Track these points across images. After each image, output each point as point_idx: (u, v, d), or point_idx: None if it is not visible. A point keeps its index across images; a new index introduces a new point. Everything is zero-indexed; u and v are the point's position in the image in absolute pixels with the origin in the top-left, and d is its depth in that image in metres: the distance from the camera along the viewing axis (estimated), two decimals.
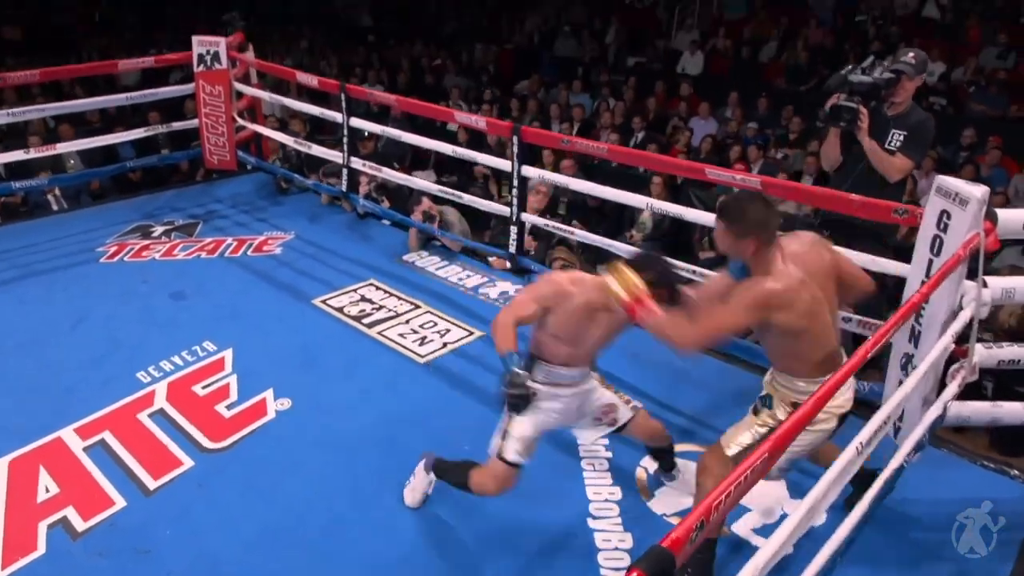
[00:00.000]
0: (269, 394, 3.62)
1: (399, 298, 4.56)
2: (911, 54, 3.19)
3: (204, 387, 3.70)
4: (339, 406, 3.55)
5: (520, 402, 2.37)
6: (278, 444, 3.32)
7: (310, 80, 5.47)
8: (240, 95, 6.25)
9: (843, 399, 2.31)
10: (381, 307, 4.45)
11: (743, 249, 2.21)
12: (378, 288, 4.68)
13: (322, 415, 3.48)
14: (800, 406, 1.74)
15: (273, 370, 3.80)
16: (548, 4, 13.52)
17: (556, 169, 5.77)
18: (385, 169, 5.20)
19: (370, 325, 4.25)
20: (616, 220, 6.26)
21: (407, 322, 4.29)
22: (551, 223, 4.46)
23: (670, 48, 11.33)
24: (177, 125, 6.36)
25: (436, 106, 5.15)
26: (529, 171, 4.33)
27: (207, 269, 4.97)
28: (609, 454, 3.24)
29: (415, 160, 7.69)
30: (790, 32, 10.47)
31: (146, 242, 5.34)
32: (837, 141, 3.36)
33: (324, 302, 4.52)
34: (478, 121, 4.45)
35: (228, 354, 3.95)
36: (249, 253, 5.21)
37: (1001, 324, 4.49)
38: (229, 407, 3.54)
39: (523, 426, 2.52)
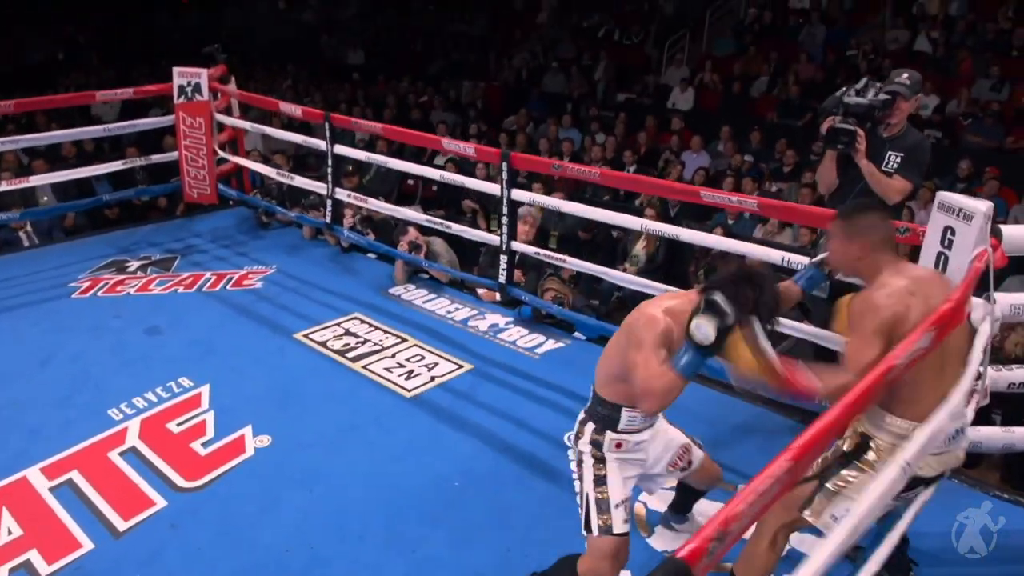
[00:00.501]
0: (248, 431, 3.55)
1: (385, 331, 4.52)
2: (905, 75, 3.24)
3: (179, 424, 3.63)
4: (322, 442, 3.49)
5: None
6: (256, 482, 3.24)
7: (293, 110, 5.51)
8: (222, 127, 6.28)
9: (922, 452, 2.03)
10: (366, 341, 4.41)
11: (850, 255, 2.20)
12: (363, 321, 4.64)
13: (304, 451, 3.42)
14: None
15: (252, 406, 3.74)
16: (535, 41, 13.78)
17: None
18: (370, 200, 5.21)
19: (354, 359, 4.20)
20: (608, 253, 6.28)
21: (393, 356, 4.25)
22: (542, 252, 4.45)
23: (660, 84, 11.54)
24: (156, 157, 6.37)
25: (424, 134, 5.17)
26: (519, 195, 4.34)
27: (184, 304, 4.92)
28: None
29: (401, 197, 7.74)
30: (780, 67, 10.68)
31: (121, 277, 5.30)
32: (833, 164, 3.39)
33: (306, 336, 4.48)
34: (467, 148, 4.48)
35: (205, 390, 3.89)
36: (228, 287, 5.17)
37: (1008, 354, 4.50)
38: (205, 444, 3.47)
39: (616, 490, 2.34)
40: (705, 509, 2.88)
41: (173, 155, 6.34)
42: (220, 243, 5.99)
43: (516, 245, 4.48)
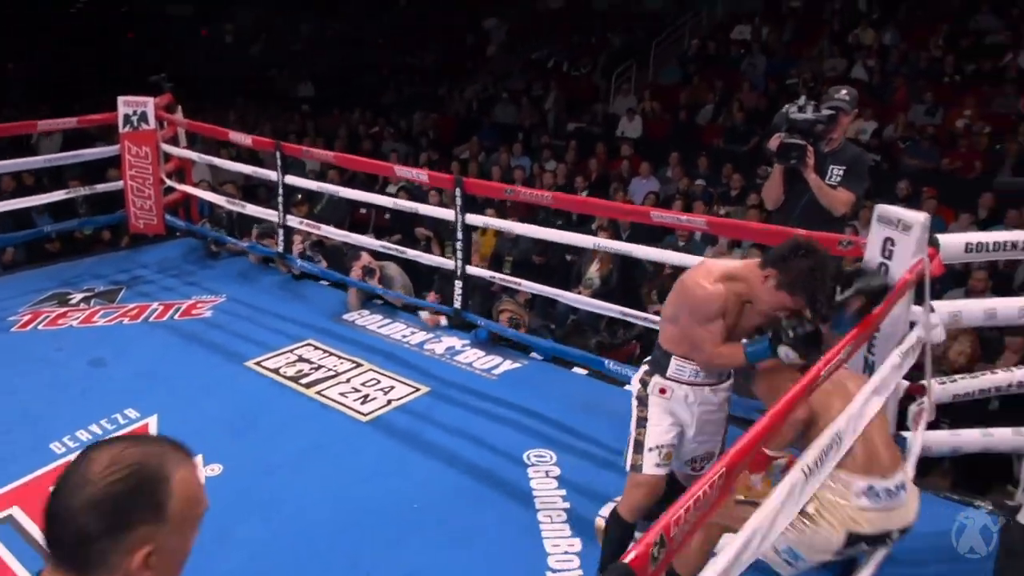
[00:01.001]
0: (198, 460, 3.45)
1: (339, 357, 4.48)
2: (844, 91, 3.39)
3: None
4: (276, 469, 3.42)
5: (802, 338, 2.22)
6: (208, 515, 3.15)
7: (243, 139, 5.48)
8: (168, 157, 6.20)
9: (855, 513, 2.16)
10: (320, 367, 4.36)
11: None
12: (316, 348, 4.59)
13: (257, 479, 3.34)
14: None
15: (202, 435, 3.64)
16: (486, 73, 13.98)
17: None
18: (323, 226, 5.18)
19: (308, 385, 4.15)
20: (563, 276, 6.34)
21: (348, 381, 4.20)
22: (497, 275, 4.48)
23: (609, 113, 11.79)
24: (101, 187, 6.25)
25: (375, 161, 5.19)
26: (473, 219, 4.37)
27: (130, 335, 4.80)
28: (567, 504, 3.18)
29: (353, 226, 7.69)
30: (725, 96, 11.02)
31: (63, 309, 5.15)
32: (780, 179, 3.50)
33: (258, 364, 4.40)
34: (419, 174, 4.50)
35: (152, 420, 3.79)
36: (176, 317, 5.07)
37: (952, 363, 4.66)
38: None
39: (654, 434, 2.49)
40: None
41: (118, 185, 6.23)
42: (167, 273, 5.88)
43: (471, 269, 4.49)
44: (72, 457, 3.22)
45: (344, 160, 5.16)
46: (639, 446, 2.51)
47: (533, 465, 3.45)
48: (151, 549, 0.98)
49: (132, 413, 3.84)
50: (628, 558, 1.26)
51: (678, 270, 5.73)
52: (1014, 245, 2.63)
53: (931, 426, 3.16)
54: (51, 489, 0.98)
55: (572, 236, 4.37)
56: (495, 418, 3.86)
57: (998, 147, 8.51)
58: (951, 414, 4.27)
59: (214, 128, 5.94)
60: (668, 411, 2.51)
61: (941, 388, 2.82)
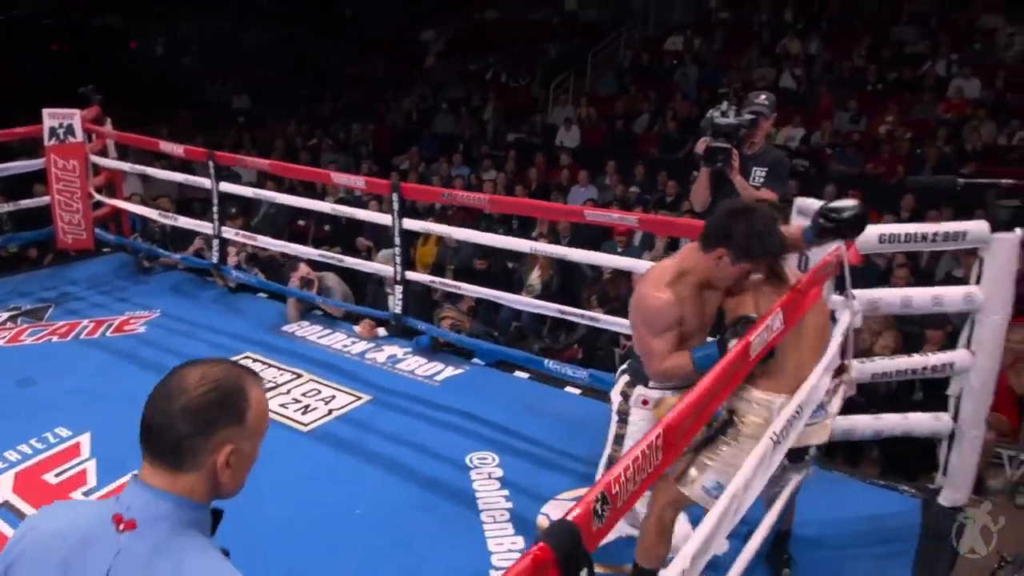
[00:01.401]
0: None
1: (279, 368, 4.44)
2: (763, 96, 3.55)
3: (57, 475, 3.44)
4: None
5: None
6: None
7: (175, 148, 5.40)
8: (97, 170, 6.07)
9: (774, 418, 2.23)
10: None
11: (730, 274, 2.34)
12: (255, 360, 4.55)
13: None
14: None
15: (138, 452, 3.56)
16: (425, 84, 14.02)
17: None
18: (260, 237, 5.14)
19: None
20: (505, 283, 6.40)
21: (288, 392, 4.18)
22: (437, 280, 4.52)
23: (547, 123, 11.96)
24: (25, 203, 6.07)
25: (312, 168, 5.18)
26: (411, 224, 4.41)
27: (60, 353, 4.68)
28: (509, 504, 3.23)
29: (292, 238, 7.62)
30: (659, 105, 11.30)
31: None
32: (708, 182, 3.63)
33: None
34: (356, 180, 4.52)
35: (85, 439, 3.70)
36: (108, 334, 4.95)
37: (878, 355, 4.88)
38: (87, 494, 3.30)
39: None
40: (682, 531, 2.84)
41: (44, 200, 6.06)
42: (98, 289, 5.74)
43: (411, 275, 4.52)
44: (1, 478, 3.13)
45: (280, 168, 5.12)
46: (612, 464, 2.43)
47: (476, 468, 3.49)
48: (232, 449, 1.19)
49: (63, 432, 3.75)
50: (572, 515, 1.25)
51: (617, 274, 5.90)
52: (923, 236, 2.79)
53: (855, 408, 3.32)
54: (149, 400, 1.18)
55: (510, 240, 4.44)
56: (437, 423, 3.89)
57: (919, 151, 8.92)
58: (878, 403, 4.49)
59: (145, 139, 5.83)
60: (651, 424, 2.44)
61: (860, 367, 2.97)
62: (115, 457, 3.55)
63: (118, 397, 4.11)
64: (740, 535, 2.33)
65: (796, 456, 2.39)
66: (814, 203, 2.77)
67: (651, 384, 2.44)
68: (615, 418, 2.51)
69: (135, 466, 3.53)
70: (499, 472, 3.45)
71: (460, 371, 4.48)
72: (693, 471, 2.34)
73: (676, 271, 2.33)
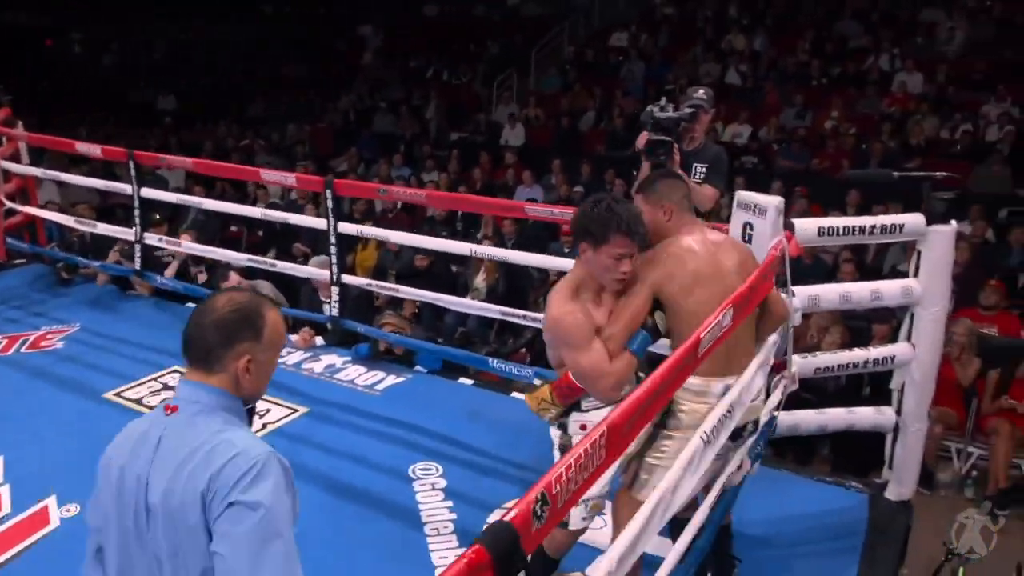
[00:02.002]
0: (51, 501, 3.30)
1: None
2: (701, 91, 3.62)
3: None
4: None
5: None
6: (65, 556, 2.99)
7: (92, 149, 5.26)
8: (9, 176, 5.88)
9: (706, 410, 2.27)
10: None
11: (660, 219, 2.41)
12: (181, 375, 4.45)
13: None
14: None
15: (56, 474, 3.49)
16: (362, 82, 13.93)
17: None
18: (187, 243, 5.05)
19: None
20: (449, 287, 6.39)
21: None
22: (375, 283, 4.50)
23: (491, 121, 12.00)
24: None
25: (239, 167, 5.11)
26: (346, 228, 4.38)
27: None
28: (454, 516, 3.23)
29: (223, 246, 7.52)
30: (605, 102, 11.44)
31: None
32: None
33: (118, 395, 4.24)
34: (287, 178, 4.48)
35: None
36: (23, 350, 4.80)
37: (824, 351, 5.03)
38: (0, 521, 3.20)
39: None
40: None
41: None
42: (11, 304, 5.55)
43: (347, 278, 4.49)
44: None
45: (206, 167, 5.04)
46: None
47: (419, 479, 3.48)
48: (250, 358, 1.53)
49: None
50: (510, 516, 1.25)
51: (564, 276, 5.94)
52: (861, 229, 2.89)
53: (799, 403, 3.41)
54: (190, 317, 1.55)
55: (452, 244, 4.45)
56: (378, 435, 3.87)
57: (863, 147, 9.21)
58: (827, 400, 4.62)
59: (59, 141, 5.67)
60: None
61: (804, 362, 3.05)
62: (30, 480, 3.44)
63: (33, 418, 4.01)
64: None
65: (734, 434, 2.43)
66: (755, 196, 2.85)
67: (584, 406, 2.37)
68: (557, 455, 2.45)
69: (53, 489, 3.42)
70: (442, 483, 3.45)
71: (402, 379, 4.46)
72: (643, 475, 2.38)
73: (572, 286, 2.31)
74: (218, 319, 1.51)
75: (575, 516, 2.40)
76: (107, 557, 1.61)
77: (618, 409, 1.61)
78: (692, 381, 2.33)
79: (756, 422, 2.54)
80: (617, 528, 2.48)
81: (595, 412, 2.35)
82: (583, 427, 2.36)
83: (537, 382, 2.39)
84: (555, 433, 2.48)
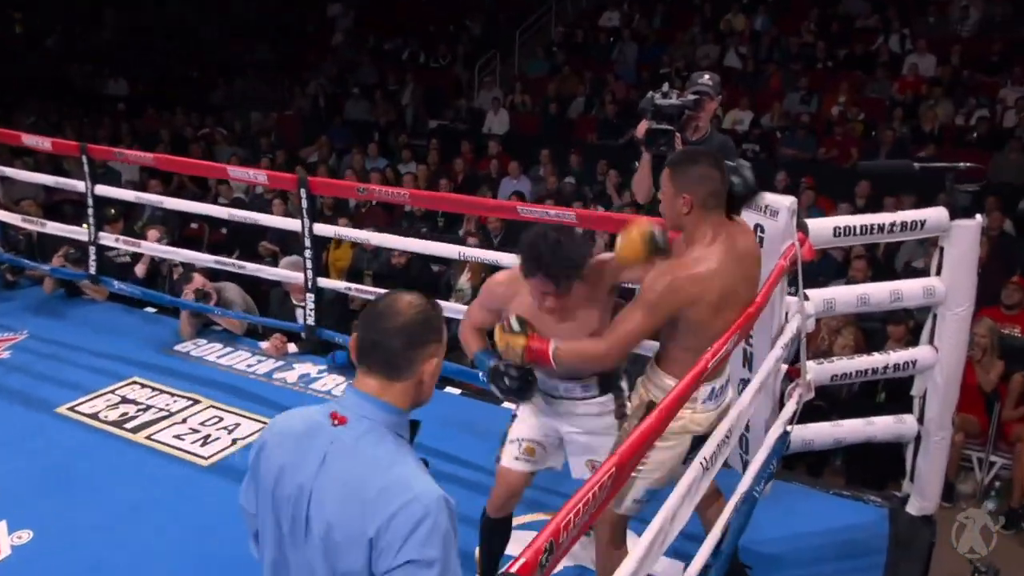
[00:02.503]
0: (1, 527, 3.27)
1: (172, 394, 4.34)
2: (707, 76, 3.63)
3: None
4: (100, 529, 3.27)
5: (514, 388, 2.50)
6: None
7: (41, 142, 5.20)
8: None
9: (699, 416, 2.39)
10: (149, 407, 4.22)
11: (678, 209, 2.33)
12: (144, 386, 4.44)
13: (78, 543, 3.19)
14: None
15: (5, 498, 3.45)
16: (332, 65, 13.87)
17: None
18: (146, 243, 5.02)
19: (135, 430, 4.01)
20: (431, 289, 6.39)
21: (184, 421, 4.09)
22: (354, 286, 4.49)
23: (473, 108, 11.99)
24: None
25: (204, 162, 5.07)
26: (323, 229, 4.36)
27: None
28: None
29: (183, 245, 7.46)
30: (596, 87, 11.45)
31: None
32: (649, 171, 3.69)
33: (72, 409, 4.20)
34: (257, 175, 4.45)
35: None
36: None
37: (836, 357, 5.07)
38: None
39: (518, 427, 2.71)
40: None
41: None
42: None
43: (324, 282, 4.47)
44: None
45: (167, 163, 4.99)
46: (503, 437, 2.74)
47: None
48: (437, 361, 1.61)
49: None
50: (515, 567, 1.31)
51: None
52: (880, 228, 2.90)
53: (815, 419, 3.43)
54: (363, 322, 1.60)
55: (435, 245, 4.43)
56: None
57: (873, 134, 9.30)
58: (840, 409, 4.66)
59: (4, 133, 5.60)
60: (537, 412, 2.69)
61: (819, 369, 3.06)
62: None
63: None
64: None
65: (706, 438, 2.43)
66: (766, 197, 2.85)
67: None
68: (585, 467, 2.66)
69: (1, 515, 3.37)
70: None
71: None
72: (623, 488, 2.39)
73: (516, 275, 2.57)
74: (407, 323, 1.56)
75: (507, 453, 2.70)
76: (262, 546, 1.70)
77: (626, 444, 1.67)
78: (672, 383, 2.34)
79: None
80: (598, 545, 2.58)
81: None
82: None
83: (516, 327, 2.44)
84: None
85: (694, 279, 2.28)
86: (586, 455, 2.68)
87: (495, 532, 2.77)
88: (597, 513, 1.58)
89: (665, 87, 3.57)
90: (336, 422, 1.57)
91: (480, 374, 2.64)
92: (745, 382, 3.12)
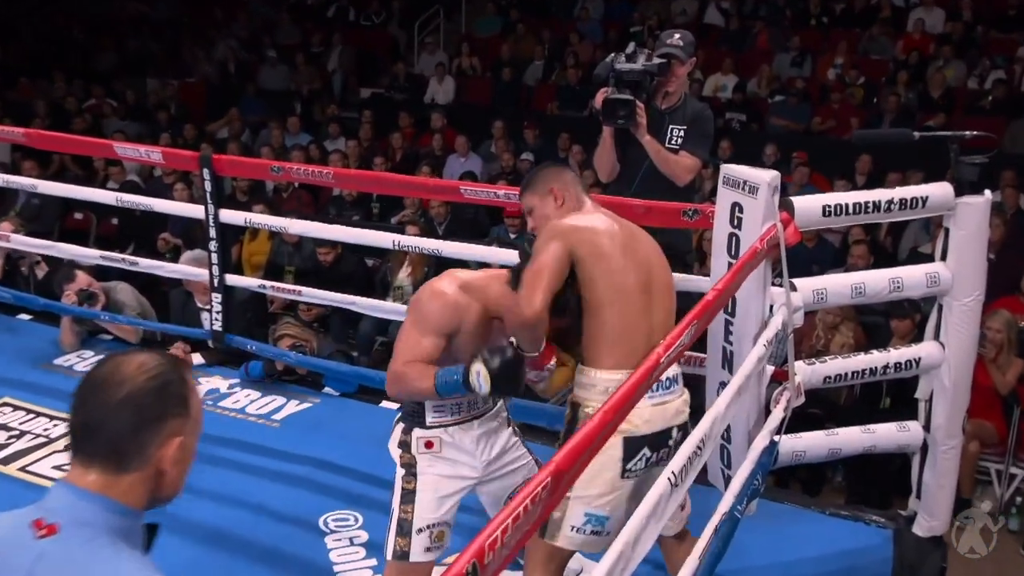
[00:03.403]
0: None
1: (51, 417, 4.31)
2: (677, 35, 3.67)
3: None
4: None
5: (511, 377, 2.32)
6: None
7: None
8: None
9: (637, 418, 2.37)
10: (23, 433, 4.19)
11: (548, 209, 2.63)
12: (16, 407, 4.41)
13: None
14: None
15: None
16: (243, 26, 13.75)
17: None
18: (17, 236, 4.95)
19: (5, 460, 3.98)
20: (364, 286, 6.36)
21: (66, 448, 4.01)
22: (270, 284, 4.47)
23: (413, 74, 11.97)
24: None
25: (86, 139, 5.01)
26: (230, 216, 4.33)
27: None
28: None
29: (65, 237, 7.35)
30: (556, 49, 11.51)
31: None
32: (612, 144, 3.73)
33: None
34: (151, 153, 4.39)
35: None
36: None
37: (834, 356, 5.15)
38: None
39: (424, 510, 2.56)
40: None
41: None
42: None
43: (233, 279, 4.44)
44: None
45: (42, 139, 4.91)
46: (404, 527, 2.57)
47: (333, 533, 3.48)
48: (181, 441, 1.39)
49: None
50: None
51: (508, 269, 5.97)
52: (876, 206, 2.95)
53: (809, 428, 3.49)
54: (76, 397, 1.37)
55: (368, 234, 4.42)
56: (280, 477, 3.85)
57: (875, 100, 9.47)
58: (838, 416, 4.74)
59: None
60: (443, 472, 2.60)
61: (810, 370, 3.11)
62: None
63: None
64: None
65: (659, 444, 2.49)
66: (744, 171, 2.88)
67: (428, 422, 2.59)
68: (400, 472, 2.63)
69: None
70: (363, 535, 3.45)
71: (307, 405, 4.45)
72: (555, 513, 2.39)
73: (467, 282, 2.55)
74: (133, 393, 1.35)
75: (417, 546, 2.56)
76: None
77: (563, 451, 1.65)
78: (602, 376, 2.47)
79: (684, 426, 2.57)
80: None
81: (443, 430, 2.59)
82: (429, 444, 2.59)
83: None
84: (395, 451, 2.67)
85: (575, 227, 2.53)
86: (509, 486, 2.71)
87: None
88: (529, 534, 1.57)
89: (631, 48, 3.61)
90: (41, 532, 1.32)
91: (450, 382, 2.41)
92: (725, 385, 3.17)
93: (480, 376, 2.28)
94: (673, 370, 2.50)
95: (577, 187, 2.69)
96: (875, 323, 5.60)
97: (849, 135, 8.93)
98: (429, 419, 2.58)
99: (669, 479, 2.11)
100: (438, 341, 2.46)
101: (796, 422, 3.21)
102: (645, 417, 2.43)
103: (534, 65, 11.43)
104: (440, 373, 2.37)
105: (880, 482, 4.87)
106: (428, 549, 2.56)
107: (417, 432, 2.59)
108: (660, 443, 2.49)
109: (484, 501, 2.80)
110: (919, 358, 3.20)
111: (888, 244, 7.23)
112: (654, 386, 2.39)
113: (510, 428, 2.76)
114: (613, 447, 2.38)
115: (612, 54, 3.67)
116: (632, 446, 2.42)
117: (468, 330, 2.49)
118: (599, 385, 2.46)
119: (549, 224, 2.56)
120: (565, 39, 11.59)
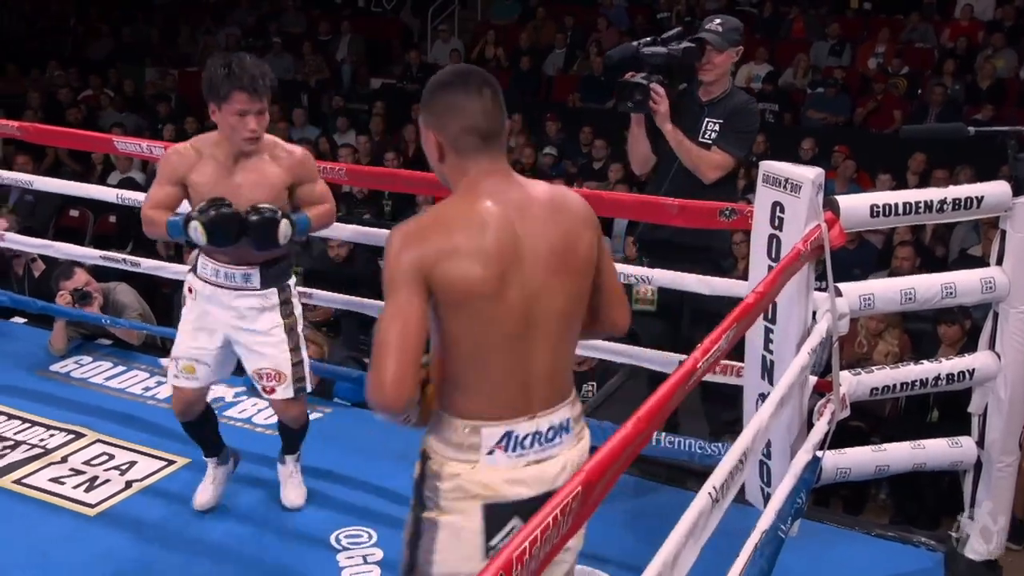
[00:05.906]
0: None
1: (47, 426, 4.30)
2: (717, 20, 3.65)
3: None
4: None
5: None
6: None
7: None
8: None
9: (485, 475, 1.97)
10: (17, 444, 4.17)
11: (430, 151, 1.99)
12: (10, 416, 4.40)
13: None
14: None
15: None
16: (247, 11, 13.81)
17: None
18: (10, 235, 4.98)
19: (1, 473, 3.95)
20: (375, 289, 6.37)
21: (64, 460, 4.05)
22: None
23: (426, 63, 12.00)
24: None
25: (86, 132, 5.04)
26: None
27: None
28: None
29: (61, 236, 7.40)
30: (579, 37, 11.51)
31: None
32: (642, 133, 3.73)
33: None
34: (152, 148, 4.42)
35: None
36: None
37: (877, 365, 5.13)
38: None
39: (179, 341, 3.32)
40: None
41: None
42: None
43: None
44: None
45: (37, 133, 4.93)
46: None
47: (346, 550, 3.47)
48: None
49: None
50: None
51: None
52: (927, 206, 2.93)
53: (853, 443, 3.47)
54: None
55: (380, 233, 4.41)
56: None
57: (919, 92, 9.42)
58: (882, 430, 4.72)
59: None
60: (197, 316, 3.25)
61: (856, 380, 3.09)
62: None
63: None
64: None
65: (535, 511, 2.10)
66: (785, 168, 2.87)
67: (198, 271, 3.25)
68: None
69: None
70: (377, 553, 3.43)
71: (316, 416, 4.42)
72: None
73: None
74: None
75: (169, 374, 3.38)
76: None
77: (594, 460, 1.63)
78: (459, 425, 1.98)
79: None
80: None
81: (203, 284, 3.29)
82: (190, 290, 3.31)
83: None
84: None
85: (426, 253, 1.86)
86: (255, 364, 3.30)
87: (193, 427, 3.52)
88: (560, 544, 1.53)
89: (675, 31, 3.61)
90: None
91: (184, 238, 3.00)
92: (765, 397, 3.15)
93: (197, 230, 2.90)
94: (562, 415, 2.04)
95: (472, 143, 1.92)
96: (920, 330, 5.57)
97: (891, 129, 8.92)
98: (199, 268, 3.22)
99: (710, 494, 2.08)
100: (171, 189, 3.14)
101: (839, 436, 3.20)
102: (516, 480, 1.98)
103: (555, 53, 11.44)
104: (171, 220, 3.01)
105: (928, 500, 4.85)
106: (176, 376, 3.31)
107: (189, 277, 3.29)
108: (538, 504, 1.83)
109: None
110: (973, 369, 3.17)
111: (934, 246, 7.19)
112: (526, 439, 1.99)
113: (269, 314, 3.27)
114: (474, 522, 1.99)
115: (647, 38, 3.67)
116: (495, 516, 1.99)
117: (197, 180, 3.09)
118: (453, 438, 1.99)
119: (394, 236, 1.88)
120: (588, 25, 11.59)
